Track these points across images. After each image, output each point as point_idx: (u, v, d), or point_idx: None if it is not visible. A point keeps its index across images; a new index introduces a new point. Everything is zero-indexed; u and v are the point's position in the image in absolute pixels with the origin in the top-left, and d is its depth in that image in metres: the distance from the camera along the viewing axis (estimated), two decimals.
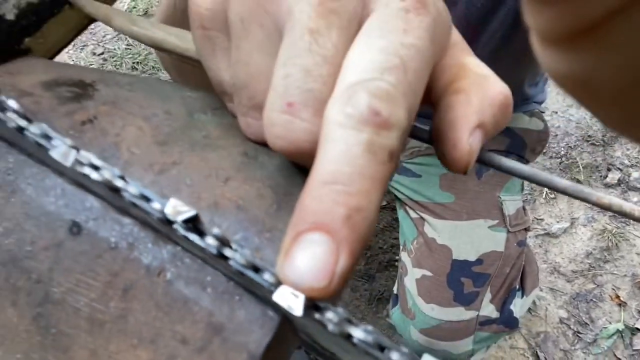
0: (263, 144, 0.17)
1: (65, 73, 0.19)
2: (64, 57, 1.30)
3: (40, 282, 0.15)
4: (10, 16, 0.22)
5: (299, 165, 0.17)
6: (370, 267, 1.11)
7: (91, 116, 0.17)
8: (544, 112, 0.76)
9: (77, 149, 0.12)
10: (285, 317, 0.13)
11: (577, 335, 1.12)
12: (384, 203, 1.07)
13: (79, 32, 0.26)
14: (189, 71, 0.21)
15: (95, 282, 0.14)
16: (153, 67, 1.30)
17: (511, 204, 0.67)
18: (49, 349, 0.15)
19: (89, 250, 0.15)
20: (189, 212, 0.11)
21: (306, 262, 0.11)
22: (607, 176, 1.29)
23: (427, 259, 0.67)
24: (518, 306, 0.67)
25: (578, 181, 1.29)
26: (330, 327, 0.11)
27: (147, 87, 0.19)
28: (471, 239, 0.65)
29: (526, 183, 1.25)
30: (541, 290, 1.17)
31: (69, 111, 0.17)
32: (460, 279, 0.64)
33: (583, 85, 0.10)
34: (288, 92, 0.14)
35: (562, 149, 1.33)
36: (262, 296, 0.13)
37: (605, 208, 0.16)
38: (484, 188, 0.66)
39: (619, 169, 1.30)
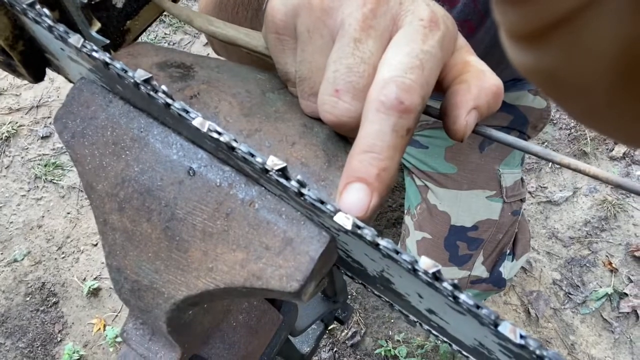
0: (316, 118, 0.24)
1: (171, 56, 0.25)
2: None
3: (167, 206, 0.22)
4: (119, 5, 0.28)
5: (341, 135, 0.24)
6: (379, 224, 1.19)
7: (195, 92, 0.23)
8: None
9: (206, 119, 0.19)
10: (332, 236, 0.20)
11: (568, 296, 1.20)
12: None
13: (158, 16, 0.32)
14: (235, 53, 0.28)
15: (206, 208, 0.21)
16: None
17: (509, 176, 0.72)
18: (173, 250, 0.22)
19: (201, 187, 0.21)
20: (282, 164, 0.18)
21: (353, 200, 0.18)
22: (613, 149, 1.33)
23: (428, 223, 0.73)
24: (507, 268, 0.73)
25: (585, 152, 1.34)
26: (368, 238, 0.18)
27: (230, 70, 0.26)
28: (469, 207, 0.71)
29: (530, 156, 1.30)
30: (538, 253, 1.23)
31: (180, 88, 0.23)
32: (456, 243, 0.70)
33: (550, 78, 0.10)
34: (335, 82, 0.21)
35: (572, 121, 1.36)
36: (319, 222, 0.20)
37: (564, 166, 0.22)
38: (485, 161, 0.71)
39: None
